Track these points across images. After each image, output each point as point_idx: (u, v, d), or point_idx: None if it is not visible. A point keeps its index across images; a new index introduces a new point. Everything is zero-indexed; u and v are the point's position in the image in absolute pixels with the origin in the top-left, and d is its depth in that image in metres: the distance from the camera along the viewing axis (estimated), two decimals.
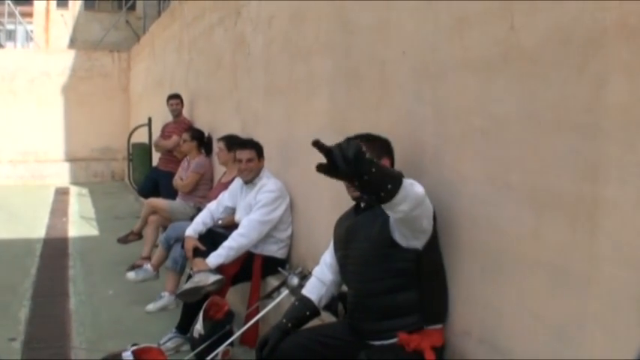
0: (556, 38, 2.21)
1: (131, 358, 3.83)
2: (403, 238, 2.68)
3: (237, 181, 4.97)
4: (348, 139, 2.25)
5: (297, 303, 3.21)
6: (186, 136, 7.01)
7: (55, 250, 8.04)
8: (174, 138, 7.72)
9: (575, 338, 2.16)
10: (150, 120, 10.44)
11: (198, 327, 4.13)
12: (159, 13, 13.84)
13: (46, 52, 17.84)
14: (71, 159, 16.07)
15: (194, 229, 4.78)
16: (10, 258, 7.54)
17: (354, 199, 2.96)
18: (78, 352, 4.63)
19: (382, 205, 2.36)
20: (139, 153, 10.84)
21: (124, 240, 7.04)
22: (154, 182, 7.98)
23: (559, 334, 2.23)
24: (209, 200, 5.61)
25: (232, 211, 4.95)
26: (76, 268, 7.10)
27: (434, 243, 2.74)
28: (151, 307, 5.48)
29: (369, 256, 2.80)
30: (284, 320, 3.10)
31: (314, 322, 3.22)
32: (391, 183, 2.27)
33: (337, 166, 2.14)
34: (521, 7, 2.37)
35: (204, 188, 6.71)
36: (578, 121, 2.11)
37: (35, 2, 20.88)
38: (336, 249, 3.10)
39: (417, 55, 3.11)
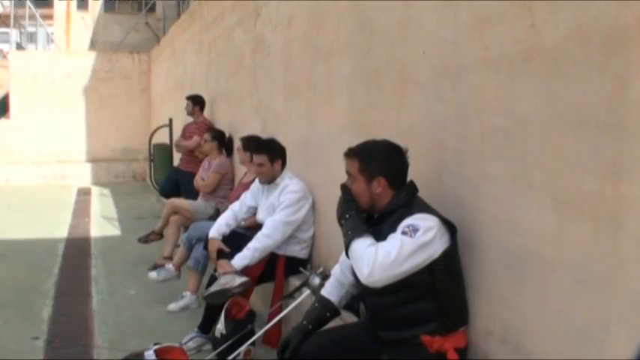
0: (577, 36, 2.19)
1: (153, 357, 3.85)
2: None
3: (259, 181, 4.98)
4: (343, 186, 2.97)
5: (317, 304, 3.22)
6: (207, 136, 7.05)
7: (77, 250, 8.11)
8: (195, 138, 7.77)
9: (598, 338, 2.15)
10: (171, 121, 10.50)
11: (220, 327, 4.14)
12: (178, 15, 13.89)
13: (67, 54, 18.00)
14: (93, 160, 16.20)
15: (217, 230, 4.77)
16: (33, 258, 7.62)
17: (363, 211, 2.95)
18: (100, 351, 4.67)
19: None
20: (160, 153, 10.90)
21: (144, 240, 7.09)
22: (175, 182, 8.03)
23: (582, 334, 2.21)
24: (230, 200, 5.63)
25: (255, 210, 4.95)
26: (98, 267, 7.16)
27: (450, 253, 2.70)
28: (172, 306, 5.51)
29: None
30: (304, 322, 3.11)
31: (335, 322, 3.23)
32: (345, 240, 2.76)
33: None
34: (542, 5, 2.35)
35: (225, 188, 6.74)
36: (600, 120, 2.10)
37: (56, 5, 21.05)
38: None
39: (437, 55, 3.10)
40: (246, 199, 5.00)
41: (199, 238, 5.35)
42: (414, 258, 2.58)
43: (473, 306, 2.81)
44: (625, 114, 2.01)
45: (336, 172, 4.41)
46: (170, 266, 5.92)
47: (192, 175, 7.23)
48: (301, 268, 4.36)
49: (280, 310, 4.23)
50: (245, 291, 4.33)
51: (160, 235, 7.00)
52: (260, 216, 4.82)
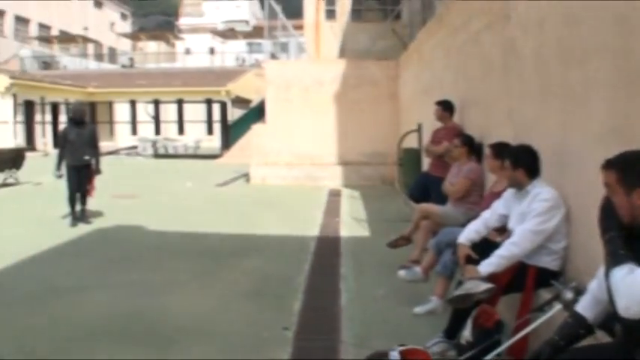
0: None
1: (398, 357, 3.90)
2: None
3: (512, 189, 4.85)
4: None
5: (570, 320, 3.07)
6: (456, 141, 7.01)
7: (327, 248, 8.50)
8: (445, 144, 7.77)
9: None
10: (420, 126, 10.62)
11: (466, 334, 4.10)
12: (423, 21, 14.00)
13: (318, 62, 18.92)
14: (343, 163, 16.89)
15: (466, 236, 4.74)
16: (286, 253, 8.15)
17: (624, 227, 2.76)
18: (346, 347, 4.84)
19: None
20: (409, 158, 11.06)
21: (393, 245, 7.17)
22: (424, 187, 8.10)
23: None
24: (480, 208, 5.55)
25: (506, 219, 4.84)
26: (347, 266, 7.43)
27: None
28: (418, 309, 5.54)
29: None
30: (556, 337, 3.00)
31: (587, 341, 3.06)
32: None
33: None
34: None
35: (476, 195, 6.65)
36: None
37: (305, 16, 22.20)
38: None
39: None
40: (498, 207, 4.89)
41: (448, 244, 5.33)
42: None
43: None
44: None
45: (593, 182, 4.19)
46: (418, 269, 5.98)
47: (442, 180, 7.23)
48: (553, 281, 4.18)
49: (528, 322, 4.10)
50: (489, 298, 4.25)
51: (408, 240, 7.06)
52: (511, 224, 4.70)
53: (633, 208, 2.65)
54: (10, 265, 7.53)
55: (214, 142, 30.89)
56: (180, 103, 33.48)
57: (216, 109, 31.81)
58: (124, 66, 52.31)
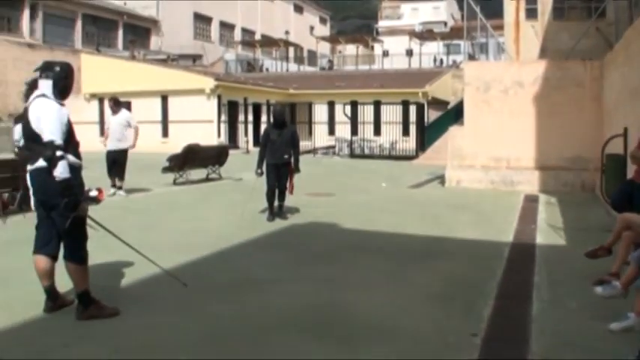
0: None
1: None
2: None
3: None
4: None
5: None
6: None
7: (521, 255, 8.29)
8: None
9: None
10: (626, 130, 10.05)
11: None
12: (630, 19, 13.16)
13: (518, 63, 18.40)
14: (541, 167, 16.32)
15: None
16: (479, 258, 8.04)
17: None
18: (535, 358, 4.69)
19: None
20: (613, 164, 10.52)
21: (592, 255, 6.90)
22: (628, 196, 7.63)
23: None
24: None
25: None
26: (541, 274, 7.20)
27: None
28: (614, 325, 5.27)
29: None
30: None
31: None
32: None
33: None
34: None
35: None
36: None
37: (505, 15, 21.68)
38: None
39: None
40: None
41: None
42: None
43: None
44: None
45: None
46: (616, 283, 5.69)
47: None
48: None
49: None
50: None
51: (608, 251, 6.74)
52: None
53: None
54: (209, 255, 8.12)
55: (410, 143, 31.05)
56: (377, 104, 33.99)
57: (412, 110, 31.98)
58: (322, 68, 54.15)
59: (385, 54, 54.32)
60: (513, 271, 7.38)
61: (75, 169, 5.34)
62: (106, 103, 20.62)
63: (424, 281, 6.84)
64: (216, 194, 14.92)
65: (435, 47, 53.09)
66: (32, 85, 6.77)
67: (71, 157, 5.29)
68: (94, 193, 5.88)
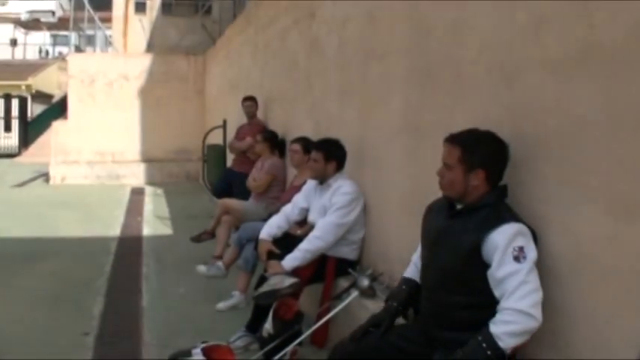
0: (637, 36, 2.13)
1: (201, 355, 3.83)
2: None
3: (312, 182, 4.92)
4: None
5: (404, 286, 3.14)
6: (259, 137, 7.05)
7: (129, 248, 8.20)
8: (248, 140, 7.78)
9: None
10: (225, 122, 10.57)
11: (268, 326, 4.11)
12: (234, 17, 13.97)
13: (124, 56, 18.29)
14: (147, 160, 16.42)
15: (268, 232, 4.75)
16: (86, 255, 7.74)
17: (446, 202, 2.88)
18: (149, 348, 4.70)
19: None
20: (214, 154, 10.96)
21: (197, 239, 7.12)
22: (228, 183, 8.05)
23: (634, 341, 2.14)
24: (281, 202, 5.60)
25: (307, 212, 4.91)
26: (149, 266, 7.21)
27: None
28: (221, 305, 5.50)
29: (454, 269, 2.70)
30: (394, 304, 3.08)
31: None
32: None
33: None
34: (601, 4, 2.30)
35: (277, 189, 6.72)
36: None
37: (114, 8, 21.44)
38: (423, 244, 3.01)
39: (492, 55, 3.05)
40: (299, 200, 4.96)
41: (250, 239, 5.34)
42: (537, 274, 2.51)
43: None
44: None
45: (387, 174, 4.36)
46: (220, 264, 5.93)
47: (246, 175, 7.22)
48: (350, 270, 4.29)
49: (328, 310, 4.19)
50: (295, 292, 4.29)
51: (212, 234, 7.01)
52: (312, 217, 4.78)
53: (467, 188, 2.73)
54: None
55: (13, 139, 28.86)
56: None
57: (15, 104, 29.72)
58: None
59: None
60: (122, 265, 7.28)
61: None
62: None
63: (30, 286, 6.34)
64: None
65: (41, 37, 50.19)
66: None
67: None
68: None
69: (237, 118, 8.85)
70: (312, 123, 6.20)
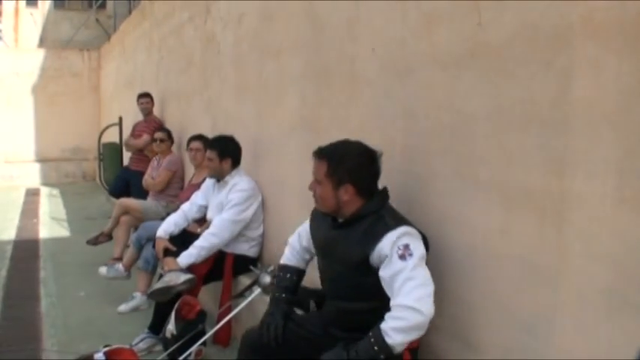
0: (523, 34, 2.22)
1: (103, 359, 3.80)
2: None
3: (210, 180, 4.93)
4: None
5: (289, 275, 3.12)
6: (161, 135, 6.91)
7: (25, 252, 7.92)
8: (145, 137, 7.67)
9: (544, 332, 2.19)
10: (120, 119, 10.37)
11: (171, 327, 4.11)
12: (129, 12, 13.69)
13: (14, 52, 17.61)
14: (42, 159, 15.89)
15: (165, 229, 4.72)
16: None
17: (325, 214, 2.85)
18: (49, 355, 4.57)
19: None
20: (110, 153, 10.74)
21: (94, 241, 6.95)
22: (125, 182, 7.90)
23: (529, 327, 2.25)
24: (180, 200, 5.57)
25: (206, 210, 4.92)
26: (46, 269, 7.01)
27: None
28: (123, 307, 5.43)
29: (348, 279, 2.71)
30: (281, 294, 3.05)
31: None
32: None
33: None
34: (489, 3, 2.39)
35: (176, 187, 6.67)
36: (545, 117, 2.13)
37: (4, 1, 20.60)
38: (317, 253, 3.00)
39: (386, 52, 3.12)
40: (197, 198, 4.96)
41: (149, 238, 5.28)
42: (426, 269, 2.55)
43: None
44: (569, 111, 2.04)
45: (285, 172, 4.42)
46: (120, 266, 5.84)
47: (143, 174, 7.11)
48: (251, 267, 4.34)
49: (230, 309, 4.22)
50: (190, 288, 4.31)
51: (109, 236, 6.87)
52: (210, 214, 4.79)
53: (339, 202, 2.71)
54: None
55: None
56: None
57: None
58: None
59: None
60: (18, 270, 7.02)
61: None
62: None
63: None
64: None
65: None
66: None
67: None
68: None
69: (133, 115, 8.71)
70: (209, 120, 6.19)
